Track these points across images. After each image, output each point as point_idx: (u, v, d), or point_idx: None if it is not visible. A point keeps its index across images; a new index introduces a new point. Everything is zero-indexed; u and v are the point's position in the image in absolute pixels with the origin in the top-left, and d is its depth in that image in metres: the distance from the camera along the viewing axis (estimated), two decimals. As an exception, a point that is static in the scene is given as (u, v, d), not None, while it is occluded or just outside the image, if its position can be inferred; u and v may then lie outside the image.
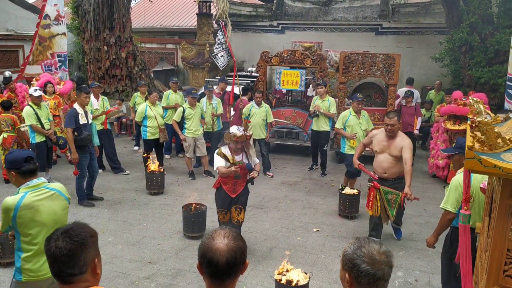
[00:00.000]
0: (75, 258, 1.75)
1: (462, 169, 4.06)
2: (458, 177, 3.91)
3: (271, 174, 9.00)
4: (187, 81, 17.63)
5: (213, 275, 1.76)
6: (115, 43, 14.54)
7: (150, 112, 8.56)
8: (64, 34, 11.17)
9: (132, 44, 14.93)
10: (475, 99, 2.72)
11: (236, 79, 9.46)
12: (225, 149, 5.23)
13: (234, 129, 5.18)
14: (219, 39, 9.10)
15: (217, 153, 5.19)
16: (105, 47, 14.49)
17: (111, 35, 14.46)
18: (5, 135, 7.72)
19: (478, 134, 2.10)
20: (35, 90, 7.57)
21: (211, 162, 8.50)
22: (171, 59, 19.73)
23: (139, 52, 15.64)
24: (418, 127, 9.70)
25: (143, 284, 4.83)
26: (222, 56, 9.04)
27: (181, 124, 8.66)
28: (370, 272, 1.74)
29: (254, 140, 9.03)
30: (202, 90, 10.42)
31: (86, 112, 7.09)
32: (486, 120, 2.09)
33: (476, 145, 2.10)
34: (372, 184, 5.50)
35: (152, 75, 16.83)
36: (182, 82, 17.75)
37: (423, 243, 5.94)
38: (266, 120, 9.07)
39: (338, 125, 7.71)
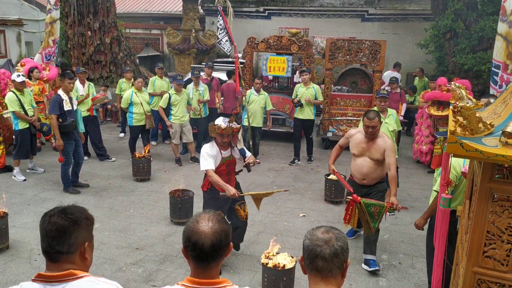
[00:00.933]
0: (65, 235, 1.75)
1: None
2: (451, 162, 3.95)
3: (258, 161, 8.96)
4: (173, 67, 17.47)
5: (198, 258, 1.78)
6: (99, 28, 14.27)
7: (136, 99, 8.49)
8: (58, 19, 10.92)
9: (116, 30, 14.67)
10: (457, 84, 2.76)
11: (238, 67, 9.06)
12: (211, 145, 4.69)
13: (220, 121, 4.60)
14: (220, 24, 8.91)
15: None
16: (89, 33, 14.22)
17: (95, 20, 14.19)
18: (-13, 122, 7.61)
19: (460, 119, 2.15)
20: (18, 76, 7.43)
21: (197, 148, 8.50)
22: (156, 45, 19.51)
23: (123, 37, 15.41)
24: (402, 113, 9.81)
25: (131, 270, 4.85)
26: (227, 41, 8.84)
27: (168, 110, 8.62)
28: (309, 247, 1.78)
29: (253, 128, 8.78)
30: (189, 76, 10.35)
31: (71, 98, 7.00)
32: (468, 105, 2.13)
33: (458, 129, 2.15)
34: (351, 197, 4.66)
35: (137, 61, 16.62)
36: (168, 68, 17.59)
37: (407, 227, 6.08)
38: (265, 107, 8.90)
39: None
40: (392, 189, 4.78)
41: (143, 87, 8.83)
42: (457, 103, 2.12)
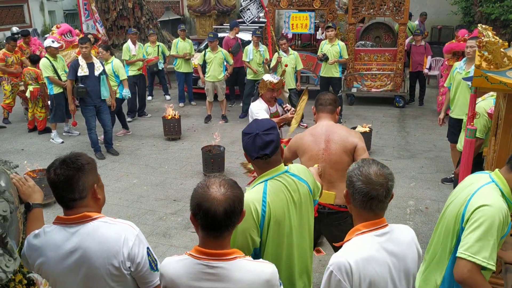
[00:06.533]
0: (73, 183, 1.85)
1: (483, 97, 4.19)
2: (482, 105, 4.05)
3: (305, 125, 8.46)
4: (194, 30, 17.48)
5: (210, 227, 1.66)
6: (120, -6, 14.39)
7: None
8: None
9: (137, -6, 14.76)
10: (483, 26, 2.85)
11: (271, 31, 8.62)
12: (259, 102, 4.74)
13: (269, 77, 4.70)
14: None
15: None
16: (111, -2, 14.36)
17: (116, -14, 14.29)
18: (31, 88, 8.03)
19: (485, 53, 2.27)
20: (53, 41, 7.67)
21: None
22: (176, 8, 19.48)
23: (145, 1, 15.47)
24: (428, 66, 9.73)
25: (170, 219, 5.19)
26: (249, 9, 8.40)
27: (204, 68, 8.95)
28: (364, 190, 1.81)
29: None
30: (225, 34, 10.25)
31: (91, 64, 6.84)
32: (492, 40, 2.25)
33: (483, 64, 2.27)
34: None
35: (159, 25, 16.69)
36: (189, 32, 17.61)
37: (433, 175, 6.25)
38: (295, 68, 8.60)
39: None
40: None
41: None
42: (482, 38, 2.24)
